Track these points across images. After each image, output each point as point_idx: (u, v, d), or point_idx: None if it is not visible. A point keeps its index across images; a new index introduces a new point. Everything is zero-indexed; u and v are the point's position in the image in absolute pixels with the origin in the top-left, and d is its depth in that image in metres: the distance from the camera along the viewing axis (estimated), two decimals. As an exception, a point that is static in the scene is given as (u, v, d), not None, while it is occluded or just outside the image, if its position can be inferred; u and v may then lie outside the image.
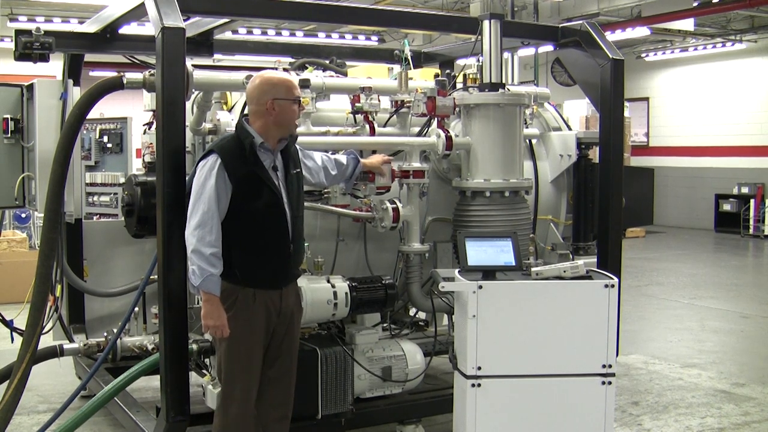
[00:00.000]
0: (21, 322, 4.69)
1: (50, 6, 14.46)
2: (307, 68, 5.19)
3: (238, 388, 3.83)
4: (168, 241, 3.93)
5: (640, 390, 6.32)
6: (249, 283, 3.78)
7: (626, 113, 11.54)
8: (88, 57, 5.80)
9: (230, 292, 3.76)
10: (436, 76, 5.33)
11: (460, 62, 5.95)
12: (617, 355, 3.95)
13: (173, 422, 4.03)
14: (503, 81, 4.98)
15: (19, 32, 4.85)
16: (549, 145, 5.52)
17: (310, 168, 4.23)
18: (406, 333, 5.22)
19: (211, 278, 3.64)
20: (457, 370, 3.87)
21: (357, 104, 4.76)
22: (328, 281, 4.50)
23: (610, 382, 3.76)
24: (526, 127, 5.33)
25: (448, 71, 5.73)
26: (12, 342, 5.19)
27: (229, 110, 4.81)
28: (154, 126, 5.01)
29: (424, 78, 6.05)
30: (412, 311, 5.46)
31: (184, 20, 4.01)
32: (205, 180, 3.69)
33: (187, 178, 3.96)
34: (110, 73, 4.77)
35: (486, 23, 4.96)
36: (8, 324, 5.29)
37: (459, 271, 3.89)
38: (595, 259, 5.15)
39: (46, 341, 4.92)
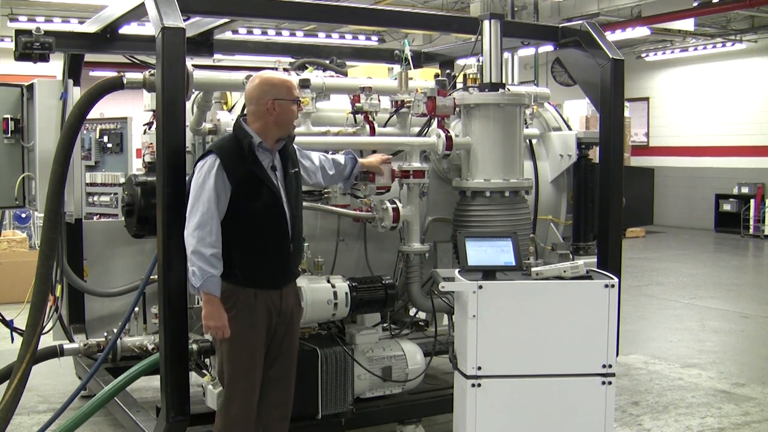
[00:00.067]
0: (21, 322, 4.69)
1: (50, 6, 14.47)
2: (307, 68, 5.19)
3: (239, 389, 3.83)
4: (168, 241, 3.93)
5: (640, 390, 6.32)
6: (250, 284, 3.78)
7: (626, 113, 11.54)
8: (88, 57, 5.81)
9: (231, 293, 3.75)
10: (436, 76, 5.33)
11: (460, 62, 5.95)
12: (617, 355, 3.96)
13: (173, 422, 4.03)
14: (503, 81, 4.98)
15: (19, 32, 4.85)
16: (549, 145, 5.52)
17: (307, 168, 4.23)
18: (406, 333, 5.22)
19: (211, 279, 3.64)
20: (457, 370, 3.87)
21: (357, 104, 4.76)
22: (328, 281, 4.50)
23: (610, 382, 3.76)
24: (526, 127, 5.33)
25: (448, 71, 5.73)
26: (12, 342, 5.19)
27: (229, 110, 4.81)
28: (154, 126, 5.01)
29: (424, 78, 6.05)
30: (412, 311, 5.46)
31: (184, 20, 4.01)
32: (204, 181, 3.69)
33: (187, 179, 3.96)
34: (110, 73, 4.77)
35: (486, 23, 4.96)
36: (8, 324, 5.29)
37: (459, 271, 3.89)
38: (595, 259, 5.15)
39: (46, 341, 4.92)
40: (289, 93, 3.83)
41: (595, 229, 5.44)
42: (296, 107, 3.89)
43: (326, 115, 4.90)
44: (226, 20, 5.24)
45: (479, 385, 3.70)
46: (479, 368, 3.70)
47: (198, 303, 4.42)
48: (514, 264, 3.85)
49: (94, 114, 4.86)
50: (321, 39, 14.96)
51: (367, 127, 4.80)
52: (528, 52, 13.96)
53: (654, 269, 12.47)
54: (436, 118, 4.88)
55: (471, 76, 5.22)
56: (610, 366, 3.75)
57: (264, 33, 14.96)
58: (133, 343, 5.01)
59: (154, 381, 5.30)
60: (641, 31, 15.20)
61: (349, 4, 9.21)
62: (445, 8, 14.82)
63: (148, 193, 4.63)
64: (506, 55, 7.82)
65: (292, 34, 15.07)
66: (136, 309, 5.14)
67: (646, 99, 19.41)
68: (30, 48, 4.79)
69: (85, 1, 12.32)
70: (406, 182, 4.73)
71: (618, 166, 5.23)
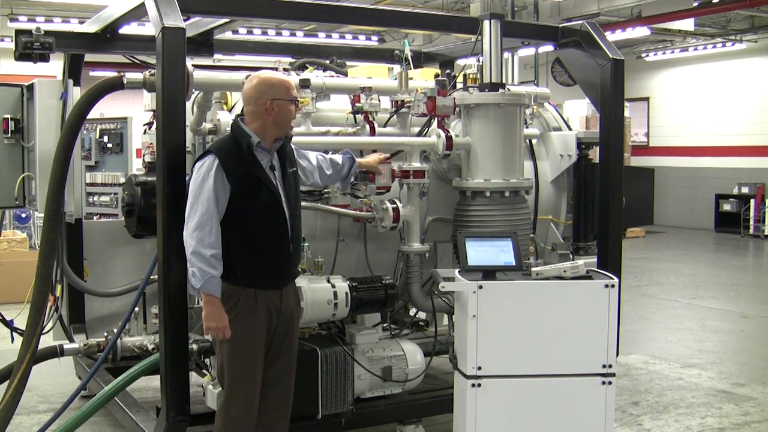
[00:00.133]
0: (21, 322, 4.69)
1: (50, 6, 14.47)
2: (307, 68, 5.19)
3: (239, 390, 3.83)
4: (168, 241, 3.93)
5: (640, 390, 6.32)
6: (250, 284, 3.78)
7: (626, 113, 11.54)
8: (88, 57, 5.81)
9: (232, 294, 3.75)
10: (436, 76, 5.33)
11: (460, 62, 5.95)
12: (617, 355, 3.95)
13: (173, 422, 4.03)
14: (503, 81, 4.98)
15: (19, 32, 4.85)
16: (549, 145, 5.52)
17: (305, 168, 4.23)
18: (406, 333, 5.22)
19: (211, 280, 3.64)
20: (457, 370, 3.87)
21: (357, 104, 4.76)
22: (328, 281, 4.50)
23: (610, 382, 3.75)
24: (527, 127, 5.33)
25: (448, 71, 5.74)
26: (12, 342, 5.19)
27: (229, 110, 4.80)
28: (154, 126, 5.01)
29: (424, 78, 6.05)
30: (412, 311, 5.46)
31: (184, 20, 4.01)
32: (203, 181, 3.68)
33: (186, 179, 3.95)
34: (110, 73, 4.77)
35: (486, 23, 4.96)
36: (8, 324, 5.29)
37: (459, 271, 3.89)
38: (595, 259, 5.15)
39: (46, 341, 4.92)
40: (287, 93, 3.83)
41: (595, 229, 5.44)
42: (294, 107, 3.89)
43: (326, 115, 4.90)
44: (226, 20, 5.24)
45: (479, 385, 3.70)
46: (479, 368, 3.69)
47: (198, 303, 4.42)
48: (514, 264, 3.84)
49: (94, 114, 4.86)
50: (321, 39, 14.96)
51: (367, 127, 4.80)
52: (528, 52, 13.96)
53: (654, 269, 12.47)
54: (436, 118, 4.88)
55: (471, 76, 5.22)
56: (610, 366, 3.75)
57: (264, 33, 14.96)
58: (133, 343, 5.02)
59: (154, 381, 5.30)
60: (641, 31, 15.20)
61: (349, 4, 9.21)
62: (445, 8, 14.83)
63: (148, 193, 4.63)
64: (506, 55, 7.83)
65: (292, 34, 15.07)
66: (136, 309, 5.14)
67: (646, 99, 19.41)
68: (30, 48, 4.79)
69: (85, 1, 12.32)
70: (406, 182, 4.73)
71: (618, 166, 5.23)
